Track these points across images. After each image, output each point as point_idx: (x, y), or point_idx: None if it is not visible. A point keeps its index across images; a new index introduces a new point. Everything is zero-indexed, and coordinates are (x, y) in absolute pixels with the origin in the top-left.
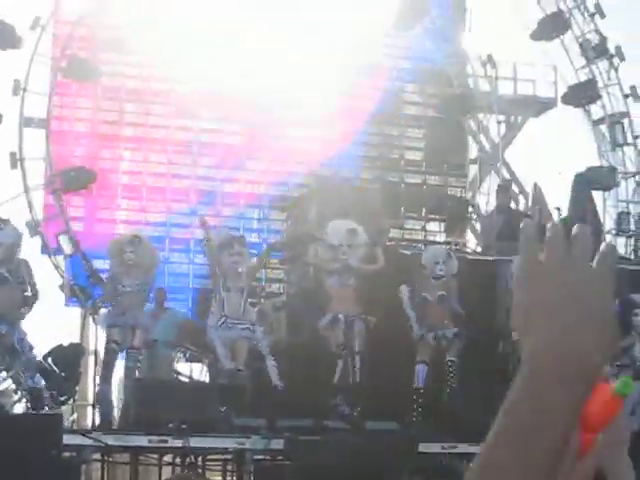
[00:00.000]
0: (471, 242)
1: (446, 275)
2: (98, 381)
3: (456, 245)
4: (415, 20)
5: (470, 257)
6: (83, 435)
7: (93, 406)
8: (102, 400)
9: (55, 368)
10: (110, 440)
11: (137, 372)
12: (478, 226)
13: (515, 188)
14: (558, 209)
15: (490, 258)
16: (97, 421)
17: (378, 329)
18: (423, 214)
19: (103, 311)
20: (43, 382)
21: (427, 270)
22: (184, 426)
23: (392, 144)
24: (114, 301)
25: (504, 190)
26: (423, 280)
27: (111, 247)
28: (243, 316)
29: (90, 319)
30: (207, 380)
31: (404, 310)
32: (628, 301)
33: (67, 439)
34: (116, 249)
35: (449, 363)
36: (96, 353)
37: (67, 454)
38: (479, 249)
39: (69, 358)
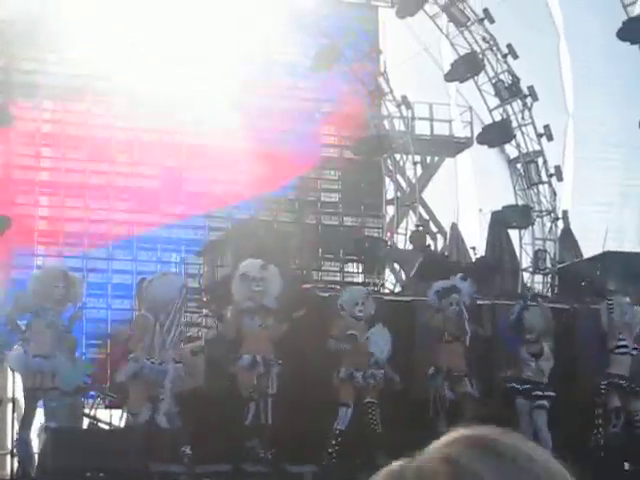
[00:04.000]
0: (389, 283)
1: (365, 316)
2: (17, 429)
3: (374, 286)
4: (330, 62)
5: (387, 298)
6: None
7: (11, 455)
8: (21, 448)
9: None
10: None
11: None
12: (397, 265)
13: (433, 227)
14: (473, 248)
15: (408, 298)
16: (15, 470)
17: (297, 372)
18: (341, 255)
19: (15, 352)
20: None
21: (345, 311)
22: (102, 474)
23: (308, 186)
24: (32, 339)
25: (417, 235)
26: (340, 322)
27: (41, 279)
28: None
29: (8, 367)
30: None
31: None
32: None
33: None
34: (47, 283)
35: (368, 404)
36: (14, 401)
37: None
38: (398, 289)
39: None
